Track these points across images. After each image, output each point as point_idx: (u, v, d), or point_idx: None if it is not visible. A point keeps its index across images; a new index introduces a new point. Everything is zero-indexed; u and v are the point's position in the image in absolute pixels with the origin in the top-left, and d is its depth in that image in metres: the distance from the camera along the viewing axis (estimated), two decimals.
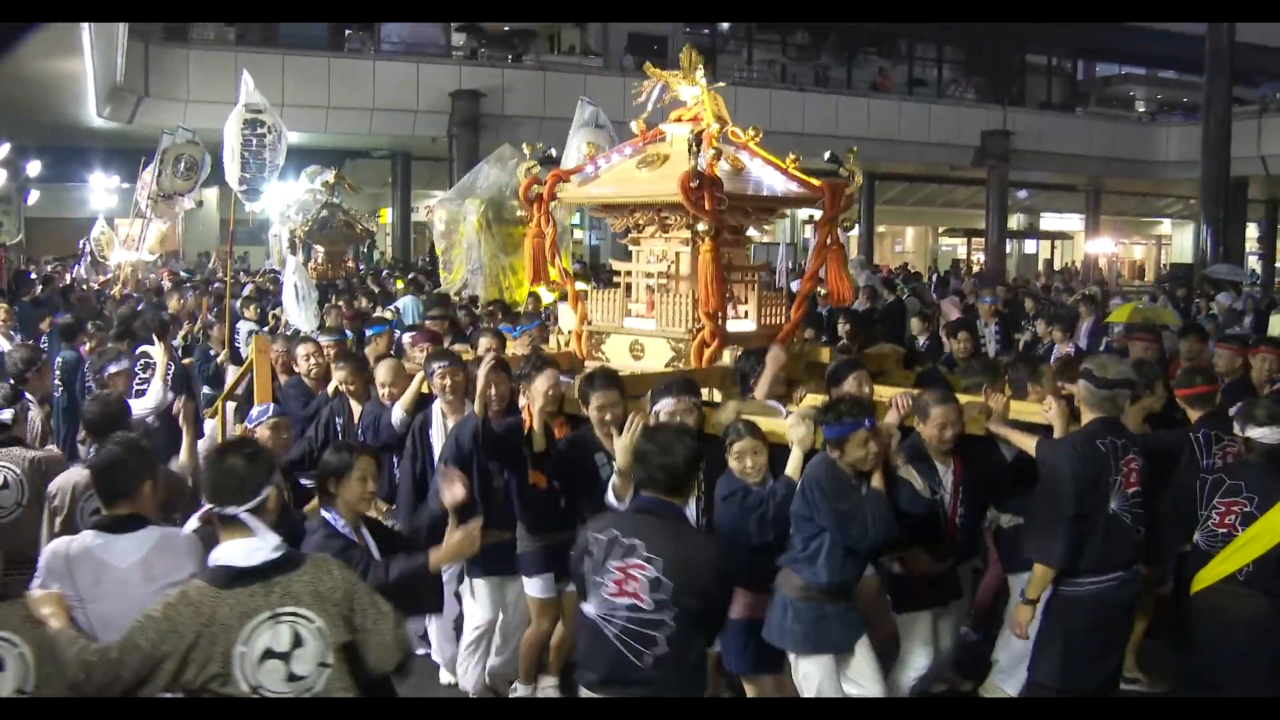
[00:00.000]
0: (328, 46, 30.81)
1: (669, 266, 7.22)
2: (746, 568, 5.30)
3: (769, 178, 7.25)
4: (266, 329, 12.95)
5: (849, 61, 39.83)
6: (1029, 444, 5.53)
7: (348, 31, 33.24)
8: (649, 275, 7.36)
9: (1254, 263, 41.01)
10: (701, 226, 6.67)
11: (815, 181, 7.25)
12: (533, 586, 6.27)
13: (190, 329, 12.57)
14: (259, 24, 31.38)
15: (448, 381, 6.65)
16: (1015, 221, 43.75)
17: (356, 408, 7.43)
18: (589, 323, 7.59)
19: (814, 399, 6.22)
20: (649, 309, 7.34)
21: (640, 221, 7.32)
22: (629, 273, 7.59)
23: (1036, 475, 5.49)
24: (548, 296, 12.42)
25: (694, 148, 6.54)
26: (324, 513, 4.66)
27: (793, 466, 5.36)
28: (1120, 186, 42.40)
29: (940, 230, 48.41)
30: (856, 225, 36.50)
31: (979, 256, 41.57)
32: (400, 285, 19.25)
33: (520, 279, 14.61)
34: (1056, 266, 44.71)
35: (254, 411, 6.00)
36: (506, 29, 36.95)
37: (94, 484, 4.62)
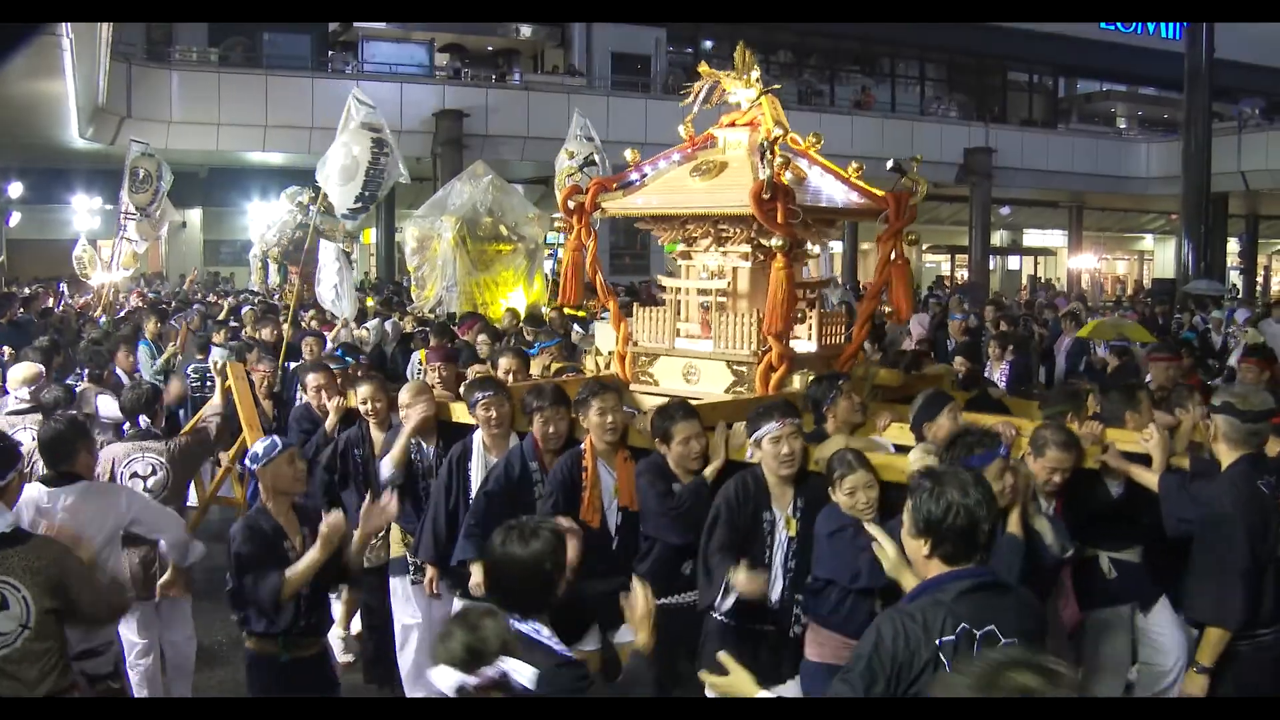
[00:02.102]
0: (310, 67, 30.77)
1: (728, 283, 6.70)
2: (841, 609, 4.92)
3: (829, 187, 6.73)
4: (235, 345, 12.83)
5: (831, 79, 39.96)
6: (1150, 479, 5.16)
7: (330, 52, 33.23)
8: (704, 293, 6.83)
9: (1235, 277, 41.22)
10: (776, 242, 6.13)
11: (878, 192, 6.79)
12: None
13: (173, 351, 12.40)
14: (241, 44, 31.36)
15: (493, 414, 6.15)
16: (998, 238, 43.85)
17: (377, 436, 6.84)
18: (634, 343, 6.97)
19: (900, 429, 5.80)
20: (703, 329, 6.83)
21: (694, 234, 6.78)
22: (678, 290, 7.01)
23: (1144, 512, 5.17)
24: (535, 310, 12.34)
25: (766, 156, 5.99)
26: (517, 625, 3.39)
27: None
28: (1102, 202, 42.56)
29: (924, 247, 48.54)
30: (840, 243, 36.59)
31: (963, 273, 41.63)
32: (370, 303, 19.17)
33: (495, 295, 14.64)
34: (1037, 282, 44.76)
35: (257, 448, 5.27)
36: (490, 49, 36.98)
37: (40, 452, 5.59)
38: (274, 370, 9.72)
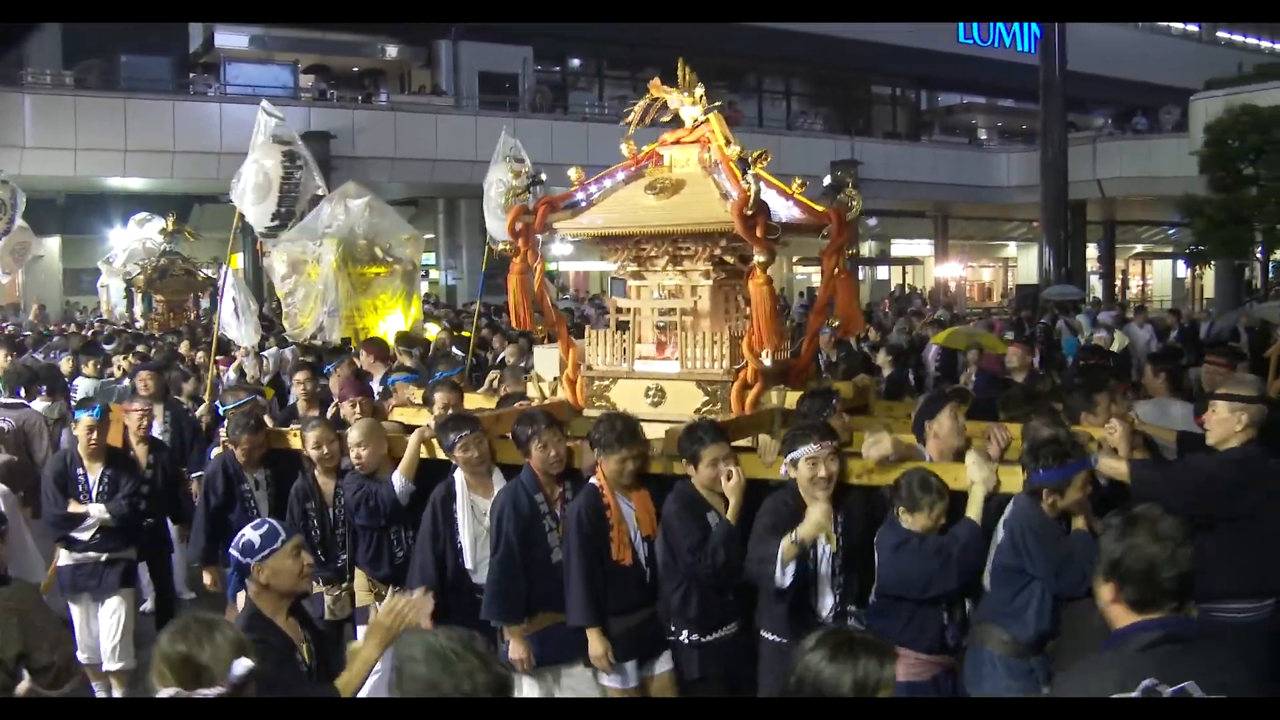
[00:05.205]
0: (171, 89, 30.10)
1: (694, 302, 6.53)
2: (912, 625, 4.93)
3: (773, 203, 6.51)
4: (110, 376, 12.39)
5: None
6: (1120, 469, 5.20)
7: (191, 74, 32.58)
8: (665, 313, 6.61)
9: (1095, 281, 42.54)
10: (759, 258, 5.98)
11: (819, 208, 6.73)
12: (612, 679, 5.48)
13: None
14: (98, 66, 30.57)
15: (474, 453, 5.93)
16: (867, 248, 44.64)
17: (326, 484, 6.51)
18: (588, 367, 6.73)
19: (906, 439, 5.66)
20: (658, 350, 6.63)
21: (651, 253, 6.59)
22: (626, 311, 6.81)
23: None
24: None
25: (745, 172, 5.93)
26: None
27: (976, 509, 4.93)
28: (966, 211, 43.60)
29: (794, 259, 49.15)
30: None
31: None
32: None
33: (374, 320, 14.39)
34: (898, 290, 45.50)
35: (252, 537, 4.20)
36: (355, 69, 36.61)
37: None
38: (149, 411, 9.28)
